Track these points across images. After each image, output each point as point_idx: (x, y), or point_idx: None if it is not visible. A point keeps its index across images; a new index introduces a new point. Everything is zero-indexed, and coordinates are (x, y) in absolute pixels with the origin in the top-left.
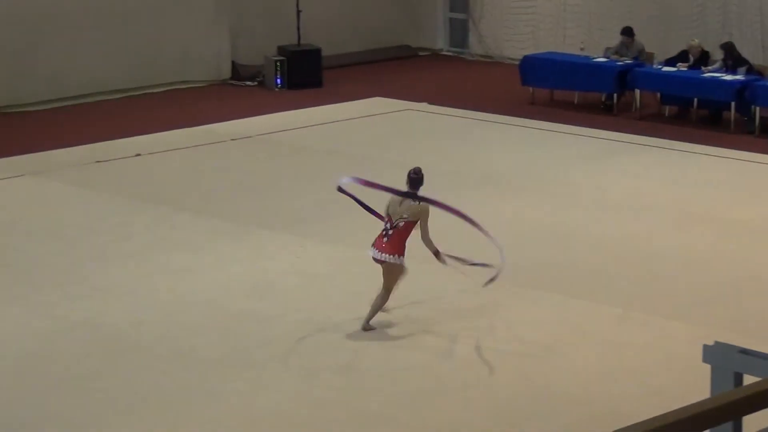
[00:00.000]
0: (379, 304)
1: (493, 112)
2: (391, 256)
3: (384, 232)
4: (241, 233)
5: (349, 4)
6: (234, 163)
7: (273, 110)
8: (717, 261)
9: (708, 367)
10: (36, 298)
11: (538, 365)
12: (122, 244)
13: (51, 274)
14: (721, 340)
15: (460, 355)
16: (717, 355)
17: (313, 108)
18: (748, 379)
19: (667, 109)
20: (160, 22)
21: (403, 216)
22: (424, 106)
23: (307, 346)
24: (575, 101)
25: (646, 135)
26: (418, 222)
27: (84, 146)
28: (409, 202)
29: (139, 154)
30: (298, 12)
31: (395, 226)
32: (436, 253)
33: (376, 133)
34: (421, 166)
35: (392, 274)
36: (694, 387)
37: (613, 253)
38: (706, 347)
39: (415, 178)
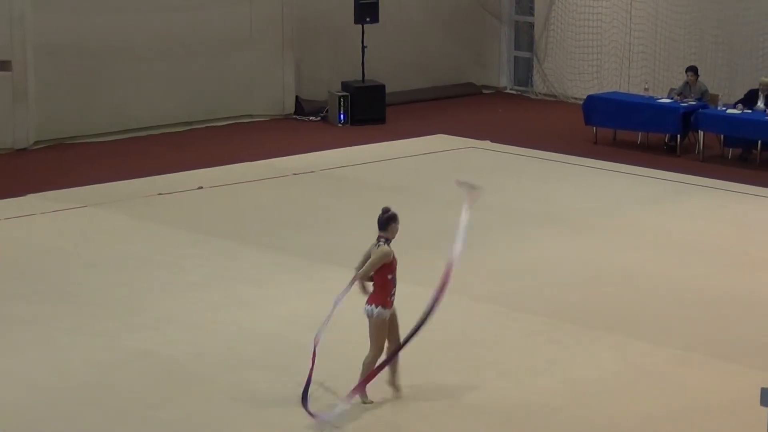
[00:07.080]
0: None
1: (556, 151)
2: (367, 306)
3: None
4: (304, 267)
5: (414, 41)
6: (296, 197)
7: (336, 146)
8: None
9: (766, 410)
10: (97, 329)
11: (598, 405)
12: (183, 276)
13: (112, 305)
14: None
15: (518, 395)
16: None
17: (375, 144)
18: None
19: (731, 151)
20: (225, 55)
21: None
22: (486, 143)
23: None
24: (638, 141)
25: (709, 177)
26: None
27: (147, 178)
28: (373, 248)
29: (201, 187)
30: (363, 48)
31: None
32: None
33: (438, 170)
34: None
35: (371, 327)
36: (753, 430)
37: (675, 294)
38: (764, 390)
39: (380, 217)
